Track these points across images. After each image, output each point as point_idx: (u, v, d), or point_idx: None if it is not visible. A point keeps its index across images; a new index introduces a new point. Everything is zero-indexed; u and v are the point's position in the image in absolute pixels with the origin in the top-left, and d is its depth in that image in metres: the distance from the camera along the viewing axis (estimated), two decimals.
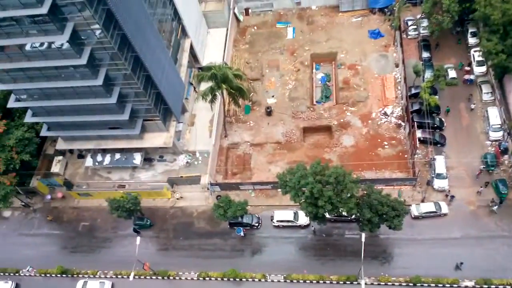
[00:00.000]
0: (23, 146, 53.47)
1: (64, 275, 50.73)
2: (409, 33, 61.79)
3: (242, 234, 49.67)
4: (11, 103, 51.08)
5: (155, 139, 54.01)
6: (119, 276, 49.86)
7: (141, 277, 49.11)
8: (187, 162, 56.47)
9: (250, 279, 47.03)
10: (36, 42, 42.02)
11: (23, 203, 56.70)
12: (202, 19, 65.60)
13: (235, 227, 50.01)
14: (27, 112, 52.74)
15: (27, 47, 42.99)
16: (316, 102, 59.73)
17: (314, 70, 63.18)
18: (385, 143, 53.97)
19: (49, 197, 57.07)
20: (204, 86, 53.33)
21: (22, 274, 51.99)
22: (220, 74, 49.28)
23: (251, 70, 63.52)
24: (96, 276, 50.20)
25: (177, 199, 54.18)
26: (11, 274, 52.13)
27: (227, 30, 65.58)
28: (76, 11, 39.00)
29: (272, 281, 46.61)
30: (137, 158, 55.51)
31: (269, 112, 58.65)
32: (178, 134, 57.10)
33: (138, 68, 45.88)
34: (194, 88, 62.29)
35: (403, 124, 54.47)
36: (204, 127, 59.15)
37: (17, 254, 53.39)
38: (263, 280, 46.71)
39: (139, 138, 53.80)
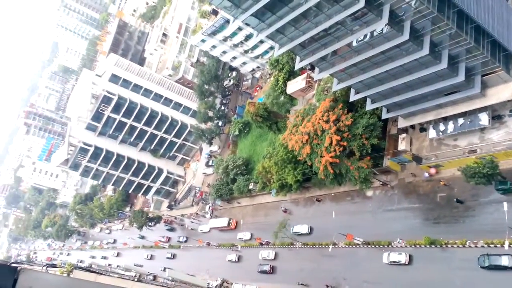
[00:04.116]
0: (370, 132, 58.91)
1: (432, 246, 51.68)
2: None
3: None
4: (352, 97, 58.68)
5: (500, 93, 47.96)
6: (491, 246, 46.70)
7: None
8: None
9: None
10: (360, 36, 46.46)
11: (381, 182, 62.59)
12: None
13: None
14: (367, 101, 58.59)
15: (354, 43, 48.07)
16: None
17: None
18: None
19: (426, 174, 56.69)
20: None
21: (393, 246, 55.88)
22: None
23: None
24: (466, 246, 48.68)
25: None
26: (384, 246, 56.91)
27: None
28: None
29: None
30: (483, 118, 50.80)
31: None
32: None
33: (463, 22, 42.27)
34: None
35: None
36: None
37: (386, 228, 58.40)
38: None
39: (481, 96, 49.14)
